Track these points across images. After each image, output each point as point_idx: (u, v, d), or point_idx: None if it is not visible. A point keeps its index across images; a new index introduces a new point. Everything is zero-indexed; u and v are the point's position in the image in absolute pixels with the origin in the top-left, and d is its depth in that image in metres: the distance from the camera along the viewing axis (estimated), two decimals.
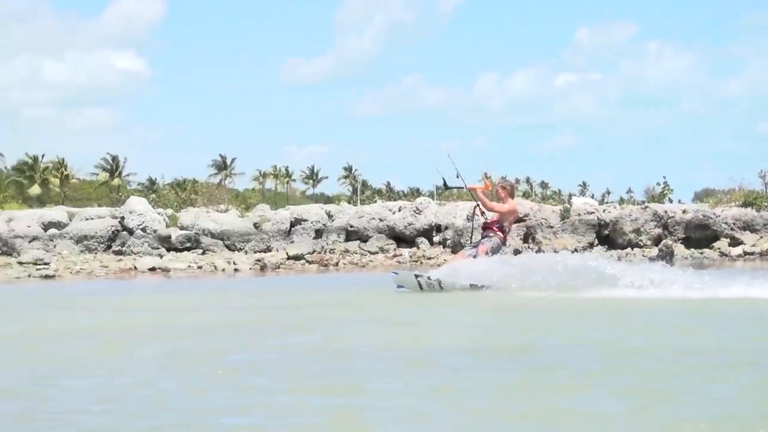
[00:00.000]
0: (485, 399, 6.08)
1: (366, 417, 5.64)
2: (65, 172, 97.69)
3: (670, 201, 46.34)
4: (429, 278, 15.17)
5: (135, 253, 30.81)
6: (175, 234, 32.18)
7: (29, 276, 24.30)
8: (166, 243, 31.86)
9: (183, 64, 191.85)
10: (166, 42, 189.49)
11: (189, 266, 27.34)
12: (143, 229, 32.12)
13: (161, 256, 29.66)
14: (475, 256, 15.28)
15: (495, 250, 15.22)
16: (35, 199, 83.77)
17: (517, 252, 30.36)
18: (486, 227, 15.66)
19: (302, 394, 6.33)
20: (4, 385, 6.84)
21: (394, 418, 5.61)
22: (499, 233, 15.45)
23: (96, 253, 31.39)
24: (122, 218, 32.64)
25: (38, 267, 26.14)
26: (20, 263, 27.18)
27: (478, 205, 16.00)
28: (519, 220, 21.85)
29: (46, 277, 24.24)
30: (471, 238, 17.38)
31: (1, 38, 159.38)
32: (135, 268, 26.78)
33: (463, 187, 16.80)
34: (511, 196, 15.96)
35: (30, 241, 31.22)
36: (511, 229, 16.39)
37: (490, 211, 15.83)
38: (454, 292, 14.28)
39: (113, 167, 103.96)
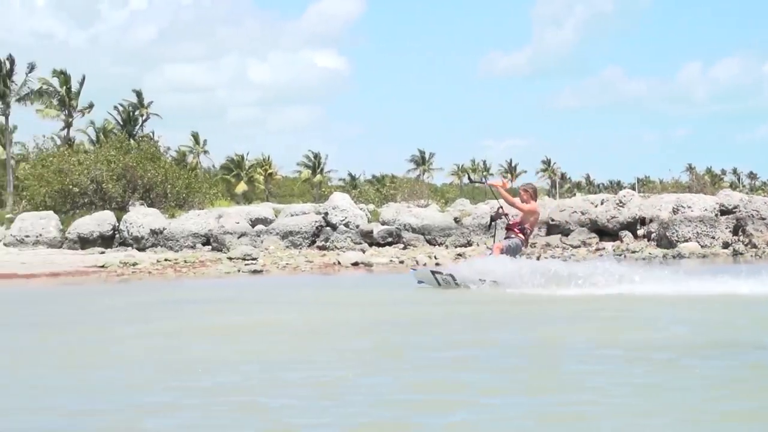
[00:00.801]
0: (708, 397, 5.82)
1: (586, 414, 5.49)
2: (269, 170, 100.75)
3: None
4: (444, 274, 15.84)
5: (338, 248, 31.31)
6: (377, 229, 32.56)
7: (238, 271, 25.05)
8: (368, 238, 32.27)
9: (382, 61, 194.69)
10: (366, 39, 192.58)
11: (390, 261, 27.58)
12: (346, 225, 32.65)
13: (363, 251, 30.04)
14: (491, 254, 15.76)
15: (513, 251, 15.61)
16: (241, 196, 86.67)
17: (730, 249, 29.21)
18: (509, 228, 16.02)
19: (515, 392, 6.21)
20: (230, 380, 7.01)
21: (616, 415, 5.43)
22: (520, 234, 15.80)
23: (301, 248, 32.10)
24: (326, 214, 33.27)
25: (247, 262, 26.94)
26: (230, 258, 28.06)
27: (501, 206, 16.35)
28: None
29: (255, 272, 24.94)
30: (494, 237, 17.29)
31: (210, 40, 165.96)
32: (338, 263, 27.21)
33: (483, 183, 18.45)
34: (534, 198, 16.21)
35: (238, 237, 32.22)
36: (533, 231, 16.77)
37: (511, 206, 16.26)
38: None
39: (315, 164, 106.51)
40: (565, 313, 11.26)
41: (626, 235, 31.81)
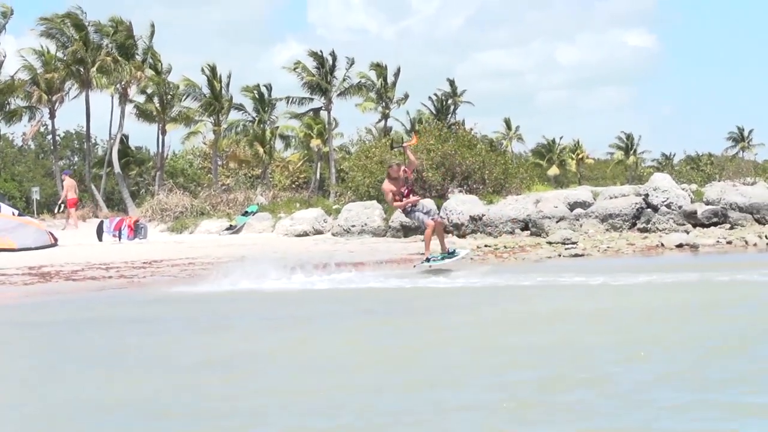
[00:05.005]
0: None
1: None
2: (581, 153, 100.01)
3: None
4: None
5: (660, 230, 30.56)
6: (701, 209, 31.51)
7: (559, 255, 24.91)
8: (692, 219, 31.27)
9: (694, 36, 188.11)
10: (677, 15, 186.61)
11: (717, 242, 26.79)
12: (668, 206, 31.72)
13: (687, 232, 29.20)
14: None
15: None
16: (552, 180, 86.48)
17: None
18: None
19: None
20: (670, 369, 6.84)
21: None
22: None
23: (621, 231, 31.54)
24: (646, 195, 32.46)
25: (566, 246, 26.77)
26: (549, 243, 27.99)
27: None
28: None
29: (575, 255, 24.74)
30: None
31: (518, 25, 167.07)
32: (662, 245, 26.61)
33: (401, 146, 21.36)
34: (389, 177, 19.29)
35: (557, 221, 32.06)
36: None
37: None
38: None
39: (627, 145, 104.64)
40: None
41: None
